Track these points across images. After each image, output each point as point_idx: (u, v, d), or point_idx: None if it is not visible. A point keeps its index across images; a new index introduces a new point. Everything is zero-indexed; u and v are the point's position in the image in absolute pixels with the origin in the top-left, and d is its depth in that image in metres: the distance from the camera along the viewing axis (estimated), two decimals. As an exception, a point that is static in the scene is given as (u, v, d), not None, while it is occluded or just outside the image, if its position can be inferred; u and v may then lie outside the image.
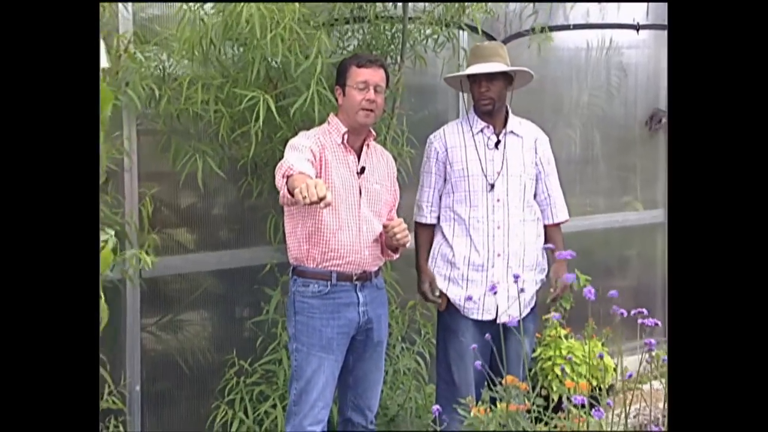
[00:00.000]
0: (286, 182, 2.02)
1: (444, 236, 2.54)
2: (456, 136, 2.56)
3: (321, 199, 1.85)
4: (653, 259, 4.03)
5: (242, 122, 2.35)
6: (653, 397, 2.27)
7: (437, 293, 2.53)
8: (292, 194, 1.97)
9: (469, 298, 2.47)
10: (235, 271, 2.71)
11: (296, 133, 2.36)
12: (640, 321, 1.88)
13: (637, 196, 3.99)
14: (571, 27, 3.17)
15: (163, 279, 2.58)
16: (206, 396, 2.64)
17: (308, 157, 2.16)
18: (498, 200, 2.49)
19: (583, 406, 1.86)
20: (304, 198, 1.84)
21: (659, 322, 1.87)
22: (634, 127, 3.92)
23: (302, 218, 2.25)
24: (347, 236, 2.22)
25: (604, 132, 3.79)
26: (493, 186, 2.49)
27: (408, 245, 2.36)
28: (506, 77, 2.51)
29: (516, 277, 2.23)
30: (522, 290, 2.38)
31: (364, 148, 2.33)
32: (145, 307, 2.53)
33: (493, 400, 1.96)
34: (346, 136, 2.25)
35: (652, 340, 1.98)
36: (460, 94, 2.97)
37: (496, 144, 2.52)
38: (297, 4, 2.33)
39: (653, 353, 2.25)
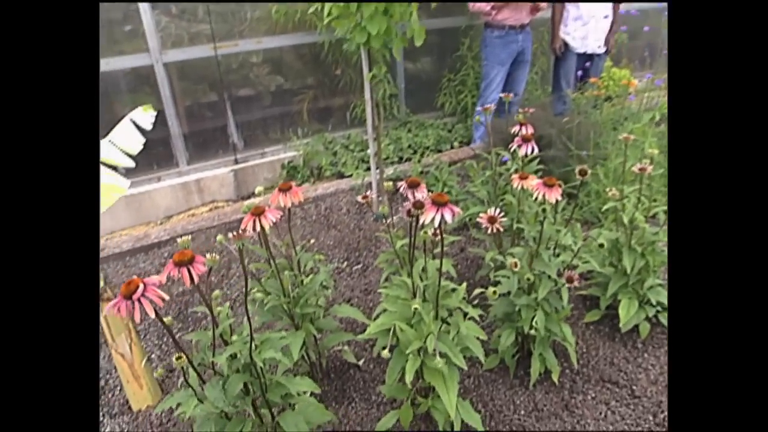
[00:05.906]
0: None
1: (567, 12, 3.54)
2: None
3: None
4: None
5: None
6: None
7: (558, 45, 3.62)
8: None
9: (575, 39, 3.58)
10: (449, 29, 4.04)
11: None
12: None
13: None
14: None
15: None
16: (433, 90, 4.17)
17: None
18: None
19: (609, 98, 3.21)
20: None
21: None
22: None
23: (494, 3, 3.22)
24: (515, 8, 3.27)
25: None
26: None
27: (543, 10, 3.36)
28: None
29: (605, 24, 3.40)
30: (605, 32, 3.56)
31: None
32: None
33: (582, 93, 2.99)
34: None
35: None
36: None
37: None
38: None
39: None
